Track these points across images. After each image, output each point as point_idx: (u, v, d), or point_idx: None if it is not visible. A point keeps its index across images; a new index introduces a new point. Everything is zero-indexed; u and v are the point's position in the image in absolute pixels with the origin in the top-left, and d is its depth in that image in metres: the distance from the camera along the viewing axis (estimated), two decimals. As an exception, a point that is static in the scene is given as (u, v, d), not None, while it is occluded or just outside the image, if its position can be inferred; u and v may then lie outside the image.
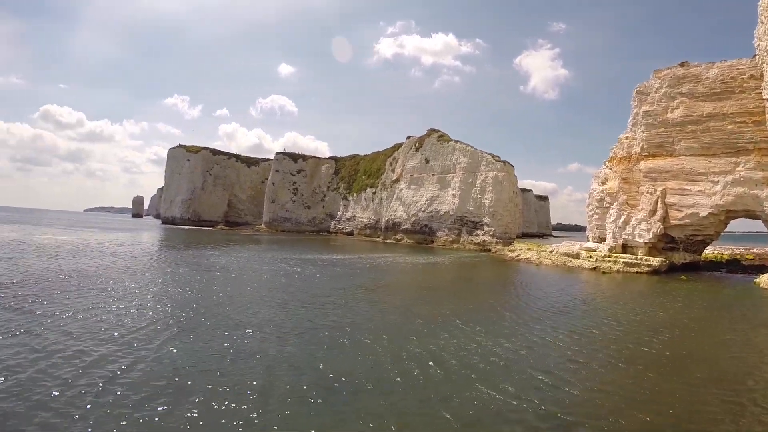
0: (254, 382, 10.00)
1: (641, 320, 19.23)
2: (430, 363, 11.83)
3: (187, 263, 33.69)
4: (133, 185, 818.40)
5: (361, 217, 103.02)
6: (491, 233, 70.06)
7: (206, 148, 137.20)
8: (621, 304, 23.65)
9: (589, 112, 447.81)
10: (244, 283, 25.59)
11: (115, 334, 13.25)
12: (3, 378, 9.48)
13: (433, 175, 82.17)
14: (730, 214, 39.56)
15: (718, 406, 9.82)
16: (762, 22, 33.13)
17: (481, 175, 73.57)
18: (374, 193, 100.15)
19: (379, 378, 10.63)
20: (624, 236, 43.86)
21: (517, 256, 53.00)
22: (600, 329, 17.02)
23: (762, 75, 34.03)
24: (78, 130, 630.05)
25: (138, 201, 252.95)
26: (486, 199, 71.84)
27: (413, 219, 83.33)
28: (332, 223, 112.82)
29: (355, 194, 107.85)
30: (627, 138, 46.75)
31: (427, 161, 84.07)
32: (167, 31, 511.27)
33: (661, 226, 41.64)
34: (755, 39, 34.46)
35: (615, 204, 45.52)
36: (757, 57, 35.57)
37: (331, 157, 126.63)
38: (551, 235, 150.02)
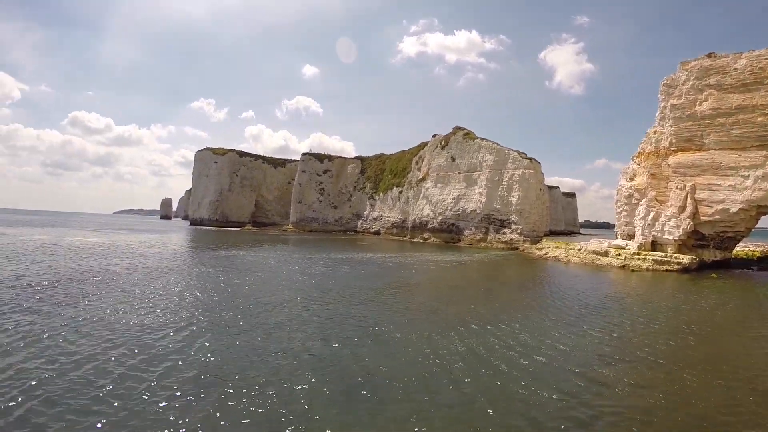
0: (291, 381, 10.46)
1: (674, 319, 19.51)
2: (477, 363, 12.33)
3: (217, 264, 34.21)
4: (161, 188, 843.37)
5: (388, 217, 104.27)
6: (519, 231, 70.26)
7: (233, 150, 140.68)
8: (653, 302, 23.91)
9: (616, 107, 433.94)
10: (275, 282, 26.10)
11: (150, 331, 14.06)
12: (58, 363, 10.92)
13: (459, 173, 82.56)
14: (762, 209, 39.16)
15: (757, 405, 10.05)
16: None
17: (508, 172, 73.61)
18: (401, 192, 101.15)
19: (421, 376, 11.13)
20: (653, 233, 43.64)
21: (545, 254, 53.37)
22: (634, 328, 17.32)
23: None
24: (106, 135, 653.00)
25: (166, 203, 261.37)
26: (513, 197, 71.93)
27: (440, 218, 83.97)
28: (359, 222, 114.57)
29: (381, 193, 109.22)
30: (655, 132, 46.32)
31: (453, 159, 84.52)
32: (191, 36, 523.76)
33: (691, 223, 41.30)
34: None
35: (643, 200, 45.25)
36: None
37: (356, 157, 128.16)
38: (579, 233, 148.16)
